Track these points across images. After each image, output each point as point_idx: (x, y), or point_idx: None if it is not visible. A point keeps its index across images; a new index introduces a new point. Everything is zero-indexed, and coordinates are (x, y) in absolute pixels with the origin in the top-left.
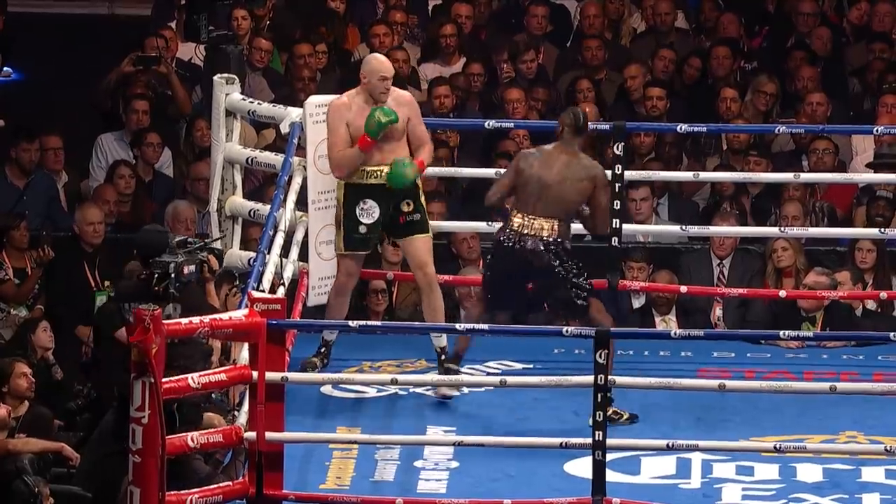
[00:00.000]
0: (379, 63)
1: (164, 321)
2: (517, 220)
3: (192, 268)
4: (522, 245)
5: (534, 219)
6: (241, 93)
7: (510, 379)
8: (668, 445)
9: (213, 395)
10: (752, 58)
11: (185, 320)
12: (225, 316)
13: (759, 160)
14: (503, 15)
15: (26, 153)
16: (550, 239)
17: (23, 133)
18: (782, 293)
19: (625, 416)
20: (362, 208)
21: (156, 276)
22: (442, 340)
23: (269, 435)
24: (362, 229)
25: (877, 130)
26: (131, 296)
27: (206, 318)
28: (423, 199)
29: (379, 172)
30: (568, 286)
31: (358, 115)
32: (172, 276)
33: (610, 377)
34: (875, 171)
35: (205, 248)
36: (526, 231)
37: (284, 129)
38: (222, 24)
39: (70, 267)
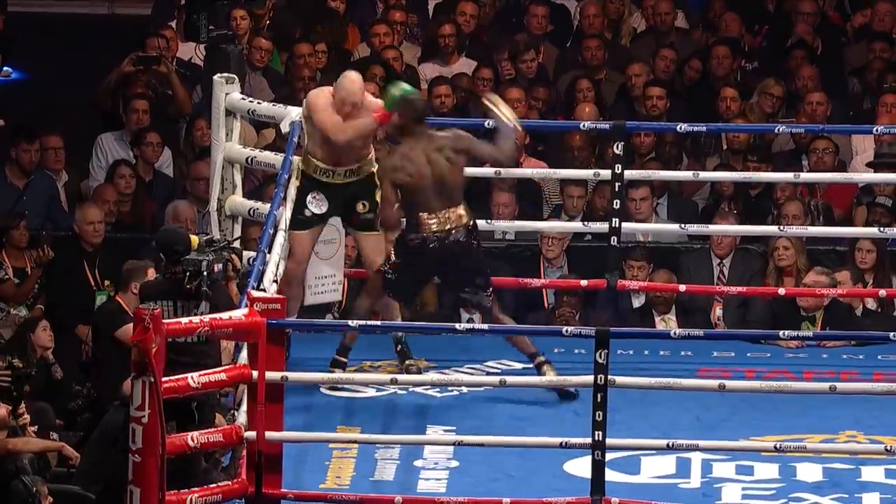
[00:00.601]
0: (346, 92)
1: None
2: (432, 221)
3: (220, 266)
4: (447, 240)
5: (445, 213)
6: (241, 92)
7: (510, 379)
8: (668, 445)
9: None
10: (753, 57)
11: (185, 320)
12: (225, 315)
13: (758, 166)
14: (504, 15)
15: (26, 153)
16: (470, 223)
17: (23, 133)
18: (781, 291)
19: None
20: (313, 197)
21: (188, 273)
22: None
23: (269, 434)
24: (307, 213)
25: (877, 130)
26: (160, 293)
27: (206, 318)
28: (378, 199)
29: (332, 172)
30: (480, 258)
31: (328, 109)
32: (205, 273)
33: (610, 377)
34: (875, 171)
35: (229, 247)
36: (448, 226)
37: (284, 128)
38: (222, 24)
39: (70, 267)
